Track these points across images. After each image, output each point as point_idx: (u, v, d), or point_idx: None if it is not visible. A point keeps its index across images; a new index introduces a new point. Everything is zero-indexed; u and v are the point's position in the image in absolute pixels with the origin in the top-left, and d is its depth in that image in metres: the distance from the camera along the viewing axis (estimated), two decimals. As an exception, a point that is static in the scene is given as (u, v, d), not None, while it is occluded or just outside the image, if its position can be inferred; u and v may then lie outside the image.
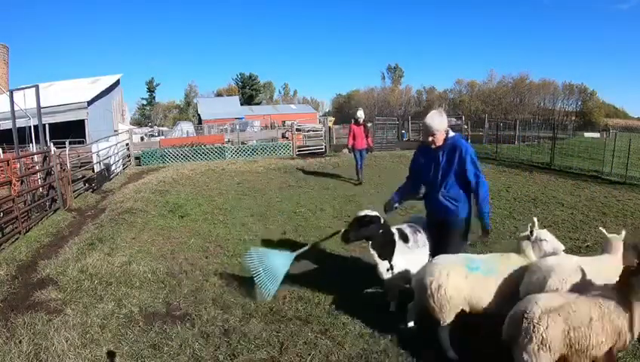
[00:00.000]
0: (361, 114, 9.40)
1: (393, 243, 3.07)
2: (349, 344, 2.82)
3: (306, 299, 3.48)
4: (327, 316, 3.18)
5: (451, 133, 3.07)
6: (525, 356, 2.06)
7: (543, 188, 8.20)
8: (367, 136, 9.31)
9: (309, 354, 2.72)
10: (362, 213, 3.06)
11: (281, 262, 3.20)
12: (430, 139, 3.04)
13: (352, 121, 9.48)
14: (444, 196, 3.08)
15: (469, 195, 3.08)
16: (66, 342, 2.83)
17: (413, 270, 3.01)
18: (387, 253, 3.06)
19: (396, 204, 3.36)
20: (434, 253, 3.13)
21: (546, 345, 2.02)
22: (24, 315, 3.19)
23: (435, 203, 3.14)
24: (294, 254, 3.30)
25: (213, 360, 2.70)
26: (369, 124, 11.04)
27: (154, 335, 2.97)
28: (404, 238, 3.16)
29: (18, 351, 2.73)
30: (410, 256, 3.11)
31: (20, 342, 2.83)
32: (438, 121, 2.99)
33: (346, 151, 11.86)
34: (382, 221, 3.04)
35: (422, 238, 3.24)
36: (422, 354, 2.69)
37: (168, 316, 3.24)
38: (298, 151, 15.46)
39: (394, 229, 3.16)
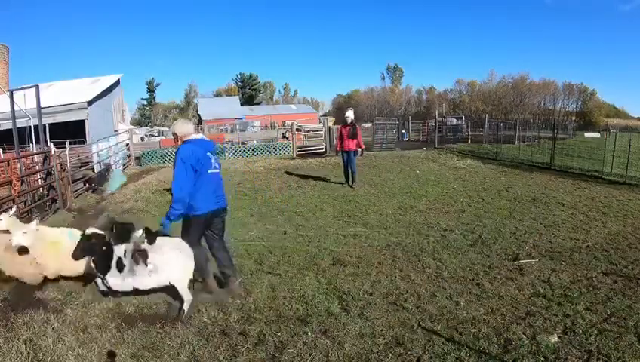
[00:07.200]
0: (349, 114, 8.85)
1: None
2: (349, 344, 2.82)
3: (306, 299, 3.49)
4: (327, 316, 3.18)
5: (193, 136, 3.50)
6: None
7: (543, 188, 8.20)
8: (354, 137, 8.49)
9: (309, 354, 2.71)
10: None
11: None
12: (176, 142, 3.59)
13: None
14: None
15: (199, 194, 3.37)
16: (66, 342, 2.83)
17: None
18: None
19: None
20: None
21: None
22: (24, 315, 3.19)
23: None
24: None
25: (213, 360, 2.70)
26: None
27: (154, 335, 2.97)
28: None
29: (17, 351, 2.73)
30: None
31: (20, 341, 2.83)
32: (177, 127, 3.57)
33: None
34: None
35: None
36: (422, 354, 2.69)
37: (168, 316, 3.23)
38: (298, 151, 15.45)
39: None
